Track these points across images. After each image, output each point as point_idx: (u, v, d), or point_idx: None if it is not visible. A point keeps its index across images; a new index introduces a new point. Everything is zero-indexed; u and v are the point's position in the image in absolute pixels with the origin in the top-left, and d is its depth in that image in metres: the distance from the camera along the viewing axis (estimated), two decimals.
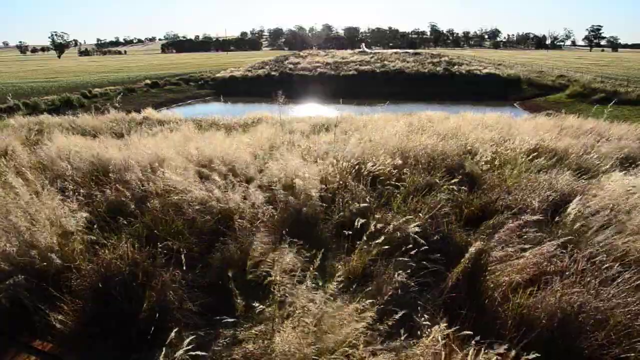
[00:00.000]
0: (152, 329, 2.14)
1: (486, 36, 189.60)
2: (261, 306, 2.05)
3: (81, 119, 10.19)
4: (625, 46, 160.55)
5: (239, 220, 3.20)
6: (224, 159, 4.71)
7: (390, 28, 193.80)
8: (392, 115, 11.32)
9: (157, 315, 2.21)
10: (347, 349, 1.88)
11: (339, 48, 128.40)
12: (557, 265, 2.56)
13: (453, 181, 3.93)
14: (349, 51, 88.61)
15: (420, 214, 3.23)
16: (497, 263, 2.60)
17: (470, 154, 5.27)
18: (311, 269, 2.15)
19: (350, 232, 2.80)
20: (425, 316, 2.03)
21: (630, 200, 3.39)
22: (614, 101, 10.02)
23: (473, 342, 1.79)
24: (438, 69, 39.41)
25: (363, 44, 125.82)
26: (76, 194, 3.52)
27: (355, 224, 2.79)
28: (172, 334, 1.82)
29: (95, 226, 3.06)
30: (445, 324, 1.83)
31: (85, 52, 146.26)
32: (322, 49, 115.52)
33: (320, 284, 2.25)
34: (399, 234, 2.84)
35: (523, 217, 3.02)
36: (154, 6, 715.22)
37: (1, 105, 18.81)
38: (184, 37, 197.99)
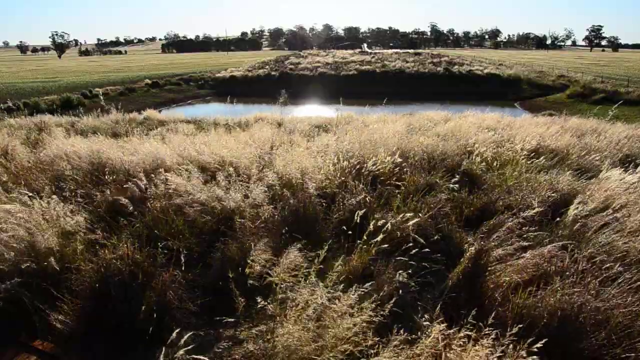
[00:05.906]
0: (152, 329, 2.14)
1: (486, 36, 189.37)
2: (263, 303, 2.04)
3: (81, 119, 10.18)
4: (626, 46, 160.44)
5: (239, 220, 3.19)
6: (224, 158, 4.70)
7: (390, 28, 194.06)
8: (393, 116, 11.30)
9: (157, 315, 2.21)
10: (348, 346, 1.87)
11: (339, 48, 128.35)
12: (558, 266, 2.56)
13: (453, 181, 3.93)
14: (350, 51, 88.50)
15: (421, 214, 3.23)
16: (497, 263, 2.59)
17: (471, 154, 5.26)
18: (312, 268, 2.15)
19: (351, 232, 2.79)
20: (426, 316, 2.03)
21: (631, 200, 3.39)
22: (619, 102, 9.96)
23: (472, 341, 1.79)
24: (438, 69, 39.39)
25: (364, 44, 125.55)
26: (76, 194, 3.52)
27: (355, 223, 2.79)
28: (172, 334, 1.81)
29: (95, 226, 3.06)
30: (445, 324, 1.83)
31: (85, 52, 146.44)
32: (322, 49, 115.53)
33: (322, 283, 2.25)
34: (399, 233, 2.84)
35: (523, 216, 3.02)
36: (154, 6, 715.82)
37: (1, 105, 18.81)
38: (184, 37, 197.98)
